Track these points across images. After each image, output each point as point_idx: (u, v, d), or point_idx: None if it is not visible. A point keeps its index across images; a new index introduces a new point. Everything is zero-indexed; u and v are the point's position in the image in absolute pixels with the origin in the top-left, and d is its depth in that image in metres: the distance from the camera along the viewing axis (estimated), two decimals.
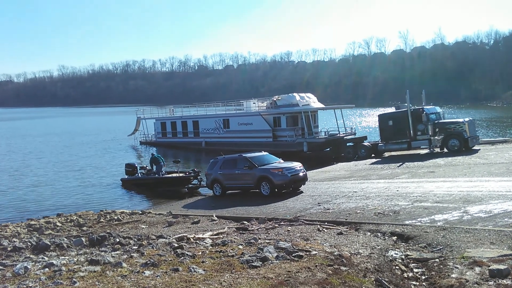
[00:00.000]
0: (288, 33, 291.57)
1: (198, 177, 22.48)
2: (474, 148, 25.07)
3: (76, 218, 15.45)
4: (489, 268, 6.75)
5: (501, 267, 6.68)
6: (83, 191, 23.47)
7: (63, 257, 8.75)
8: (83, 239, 10.67)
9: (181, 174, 22.99)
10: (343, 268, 7.23)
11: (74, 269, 7.54)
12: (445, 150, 25.25)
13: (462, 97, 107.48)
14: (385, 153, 27.99)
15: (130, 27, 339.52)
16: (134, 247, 9.56)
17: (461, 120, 26.19)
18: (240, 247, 9.15)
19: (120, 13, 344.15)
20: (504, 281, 6.32)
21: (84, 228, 13.93)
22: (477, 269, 6.95)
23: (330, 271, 7.03)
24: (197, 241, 9.96)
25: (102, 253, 8.87)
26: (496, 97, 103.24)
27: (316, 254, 8.09)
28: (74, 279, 6.83)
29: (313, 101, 35.12)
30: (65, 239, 11.01)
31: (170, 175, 23.39)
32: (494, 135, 38.45)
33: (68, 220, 15.14)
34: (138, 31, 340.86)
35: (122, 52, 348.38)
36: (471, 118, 27.27)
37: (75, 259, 8.44)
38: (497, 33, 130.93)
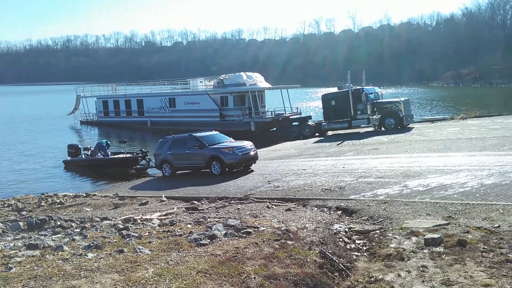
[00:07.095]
0: (238, 10, 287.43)
1: (146, 158, 21.95)
2: (408, 126, 26.43)
3: (14, 203, 14.59)
4: (424, 237, 7.16)
5: (435, 236, 7.11)
6: (22, 174, 22.18)
7: None
8: (21, 224, 10.10)
9: (128, 155, 22.33)
10: (289, 242, 7.39)
11: (10, 255, 7.14)
12: (383, 128, 26.38)
13: (406, 77, 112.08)
14: (328, 132, 28.79)
15: None
16: (77, 230, 9.19)
17: (397, 99, 27.43)
18: (189, 226, 9.08)
19: None
20: (437, 248, 6.74)
21: (24, 213, 13.17)
22: (414, 238, 7.36)
23: (277, 246, 7.16)
24: (144, 222, 9.75)
25: (42, 237, 8.44)
26: (437, 77, 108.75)
27: (264, 230, 8.19)
28: (10, 265, 6.46)
29: (260, 80, 35.17)
30: (1, 224, 10.39)
31: (116, 156, 22.64)
32: (434, 113, 40.67)
33: (6, 205, 14.26)
34: (79, 2, 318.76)
35: (62, 26, 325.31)
36: (406, 98, 28.71)
37: (12, 244, 7.98)
38: (439, 15, 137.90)
